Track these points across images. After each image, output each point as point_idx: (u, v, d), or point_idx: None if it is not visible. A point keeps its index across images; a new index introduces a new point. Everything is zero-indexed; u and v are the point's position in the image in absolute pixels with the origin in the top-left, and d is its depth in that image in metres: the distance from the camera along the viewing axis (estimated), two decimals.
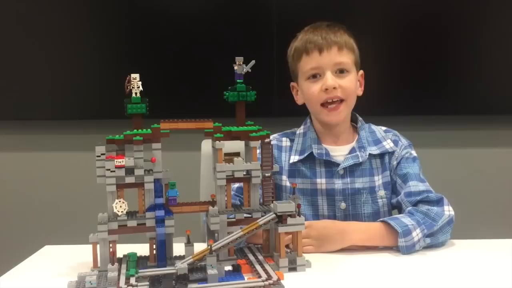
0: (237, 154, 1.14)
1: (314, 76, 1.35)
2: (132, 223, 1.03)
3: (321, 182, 1.36)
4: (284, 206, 1.03)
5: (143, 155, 1.05)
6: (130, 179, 1.03)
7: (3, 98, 2.20)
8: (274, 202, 1.07)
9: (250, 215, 1.09)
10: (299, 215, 1.05)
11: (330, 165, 1.37)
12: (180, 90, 2.18)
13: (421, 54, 2.15)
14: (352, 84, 1.35)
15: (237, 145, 1.14)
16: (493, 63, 2.18)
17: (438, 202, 1.26)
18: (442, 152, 2.23)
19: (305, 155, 1.38)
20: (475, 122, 2.22)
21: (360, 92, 1.41)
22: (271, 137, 1.44)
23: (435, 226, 1.20)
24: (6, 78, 2.19)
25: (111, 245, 1.03)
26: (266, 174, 1.12)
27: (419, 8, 2.14)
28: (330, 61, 1.32)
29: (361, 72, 1.42)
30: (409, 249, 1.16)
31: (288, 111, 2.14)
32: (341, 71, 1.34)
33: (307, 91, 1.37)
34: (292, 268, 1.04)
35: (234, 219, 1.08)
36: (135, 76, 1.07)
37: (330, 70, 1.32)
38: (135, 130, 1.06)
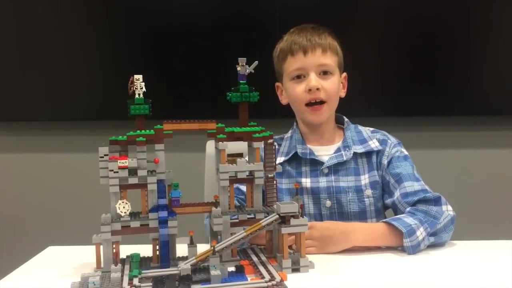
0: (240, 155, 1.14)
1: (298, 77, 1.38)
2: (135, 224, 1.03)
3: (306, 181, 1.39)
4: (287, 207, 1.03)
5: (146, 156, 1.05)
6: (133, 180, 1.03)
7: (6, 100, 2.21)
8: (277, 203, 1.07)
9: (253, 216, 1.08)
10: (302, 216, 1.04)
11: (315, 164, 1.39)
12: (183, 91, 2.19)
13: (420, 54, 2.15)
14: (334, 86, 1.37)
15: (240, 146, 1.14)
16: (492, 63, 2.17)
17: (436, 201, 1.26)
18: (441, 153, 2.24)
19: (290, 155, 1.41)
20: (473, 123, 2.22)
21: (343, 94, 1.44)
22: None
23: (438, 224, 1.20)
24: (8, 79, 2.20)
25: (114, 246, 1.03)
26: (269, 175, 1.12)
27: (418, 7, 2.14)
28: (314, 63, 1.35)
29: (344, 74, 1.45)
30: (415, 249, 1.17)
31: (291, 113, 2.17)
32: (324, 73, 1.37)
33: (291, 91, 1.39)
34: (295, 269, 1.04)
35: (237, 220, 1.08)
36: (138, 77, 1.08)
37: (314, 71, 1.35)
38: (138, 131, 1.06)
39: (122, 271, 0.98)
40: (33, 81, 2.20)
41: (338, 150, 1.40)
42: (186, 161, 2.07)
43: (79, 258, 1.14)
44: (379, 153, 1.39)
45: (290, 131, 1.48)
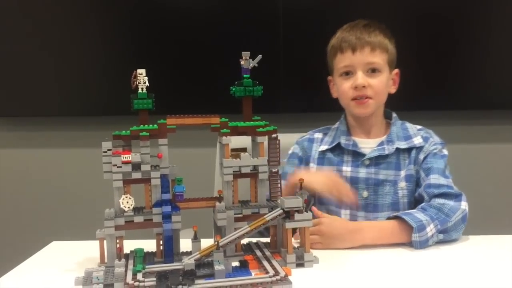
0: (244, 150, 1.13)
1: (346, 73, 1.39)
2: (139, 219, 1.02)
3: (347, 169, 1.41)
4: (291, 201, 1.03)
5: (150, 151, 1.04)
6: (136, 175, 1.02)
7: (10, 95, 2.21)
8: (281, 198, 1.07)
9: (257, 211, 1.08)
10: (306, 210, 1.04)
11: (357, 156, 1.41)
12: (186, 85, 2.18)
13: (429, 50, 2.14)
14: (381, 83, 1.38)
15: (244, 141, 1.13)
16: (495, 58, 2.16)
17: (457, 197, 1.26)
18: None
19: (333, 144, 1.44)
20: (475, 117, 2.21)
21: (393, 90, 1.45)
22: (306, 134, 1.53)
23: (449, 222, 1.20)
24: (12, 75, 2.20)
25: (118, 240, 1.03)
26: (273, 170, 1.12)
27: (423, 4, 2.13)
28: (362, 61, 1.37)
29: (396, 70, 1.45)
30: (423, 244, 1.16)
31: (294, 107, 2.17)
32: (372, 70, 1.38)
33: (339, 87, 1.42)
34: (300, 264, 1.04)
35: (241, 215, 1.07)
36: (141, 72, 1.07)
37: (362, 69, 1.37)
38: (141, 126, 1.06)
39: (126, 266, 0.98)
40: (37, 76, 2.20)
41: (382, 143, 1.41)
42: (191, 157, 2.07)
43: (83, 253, 1.14)
44: (418, 149, 1.40)
45: (337, 123, 1.50)
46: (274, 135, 1.11)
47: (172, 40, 2.16)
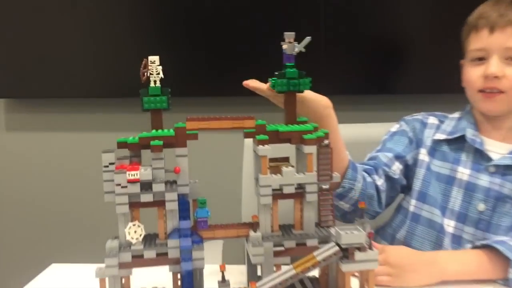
0: (286, 160, 0.88)
1: (479, 59, 1.11)
2: (150, 253, 0.79)
3: (464, 171, 1.13)
4: (350, 236, 0.77)
5: (165, 164, 0.80)
6: (147, 197, 0.78)
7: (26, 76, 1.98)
8: (335, 227, 0.81)
9: (303, 242, 0.83)
10: (370, 247, 0.78)
11: (480, 158, 1.13)
12: (201, 66, 1.88)
13: None
14: None
15: (286, 148, 0.88)
16: None
17: None
18: None
19: (455, 135, 1.17)
20: None
21: None
22: (417, 114, 1.25)
23: None
24: (25, 56, 1.97)
25: (123, 280, 0.80)
26: (324, 187, 0.86)
27: None
28: (500, 44, 1.08)
29: None
30: None
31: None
32: None
33: (466, 74, 1.15)
34: None
35: (282, 248, 0.82)
36: (154, 59, 0.83)
37: (498, 55, 1.08)
38: (153, 131, 0.82)
39: None
40: (50, 57, 1.96)
41: None
42: (212, 161, 1.82)
43: (85, 278, 0.90)
44: None
45: (458, 113, 1.23)
46: (325, 142, 0.85)
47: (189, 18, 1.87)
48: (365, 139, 1.39)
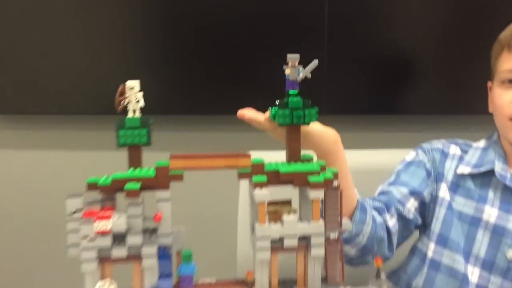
0: (288, 203, 0.75)
1: (511, 81, 0.99)
2: None
3: (491, 212, 1.00)
4: None
5: (142, 210, 0.67)
6: (119, 252, 0.65)
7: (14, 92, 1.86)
8: None
9: None
10: None
11: (510, 196, 1.00)
12: (185, 84, 1.76)
13: None
14: None
15: (287, 188, 0.75)
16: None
17: None
18: None
19: (482, 169, 1.03)
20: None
21: None
22: (436, 142, 1.11)
23: None
24: (17, 70, 1.85)
25: None
26: (332, 236, 0.73)
27: None
28: None
29: None
30: None
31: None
32: None
33: (496, 98, 1.03)
34: None
35: None
36: (133, 85, 0.70)
37: None
38: (130, 170, 0.69)
39: None
40: (41, 73, 1.84)
41: None
42: (204, 205, 1.69)
43: None
44: None
45: (484, 141, 1.10)
46: (334, 184, 0.72)
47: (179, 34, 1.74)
48: (373, 167, 1.27)
